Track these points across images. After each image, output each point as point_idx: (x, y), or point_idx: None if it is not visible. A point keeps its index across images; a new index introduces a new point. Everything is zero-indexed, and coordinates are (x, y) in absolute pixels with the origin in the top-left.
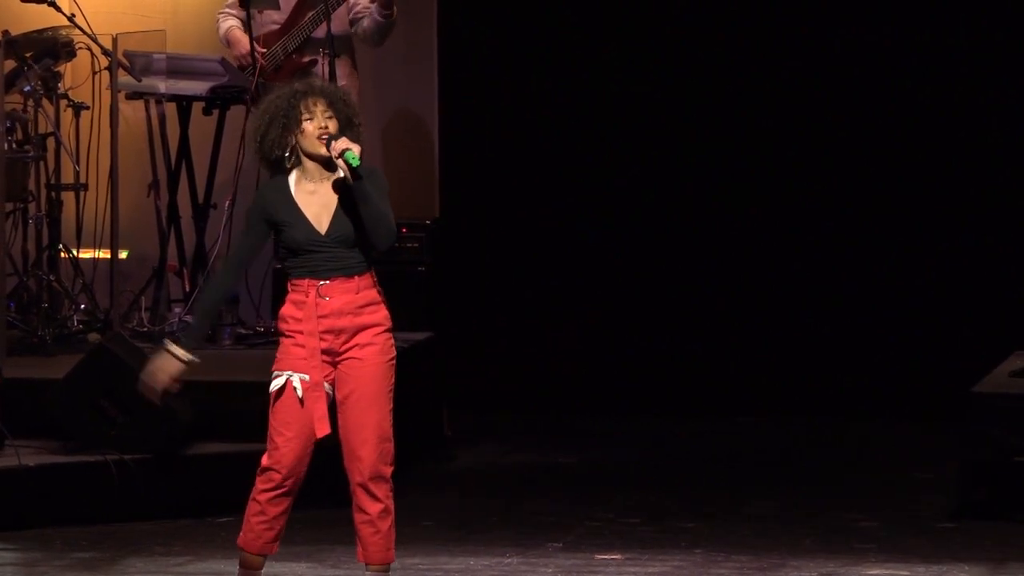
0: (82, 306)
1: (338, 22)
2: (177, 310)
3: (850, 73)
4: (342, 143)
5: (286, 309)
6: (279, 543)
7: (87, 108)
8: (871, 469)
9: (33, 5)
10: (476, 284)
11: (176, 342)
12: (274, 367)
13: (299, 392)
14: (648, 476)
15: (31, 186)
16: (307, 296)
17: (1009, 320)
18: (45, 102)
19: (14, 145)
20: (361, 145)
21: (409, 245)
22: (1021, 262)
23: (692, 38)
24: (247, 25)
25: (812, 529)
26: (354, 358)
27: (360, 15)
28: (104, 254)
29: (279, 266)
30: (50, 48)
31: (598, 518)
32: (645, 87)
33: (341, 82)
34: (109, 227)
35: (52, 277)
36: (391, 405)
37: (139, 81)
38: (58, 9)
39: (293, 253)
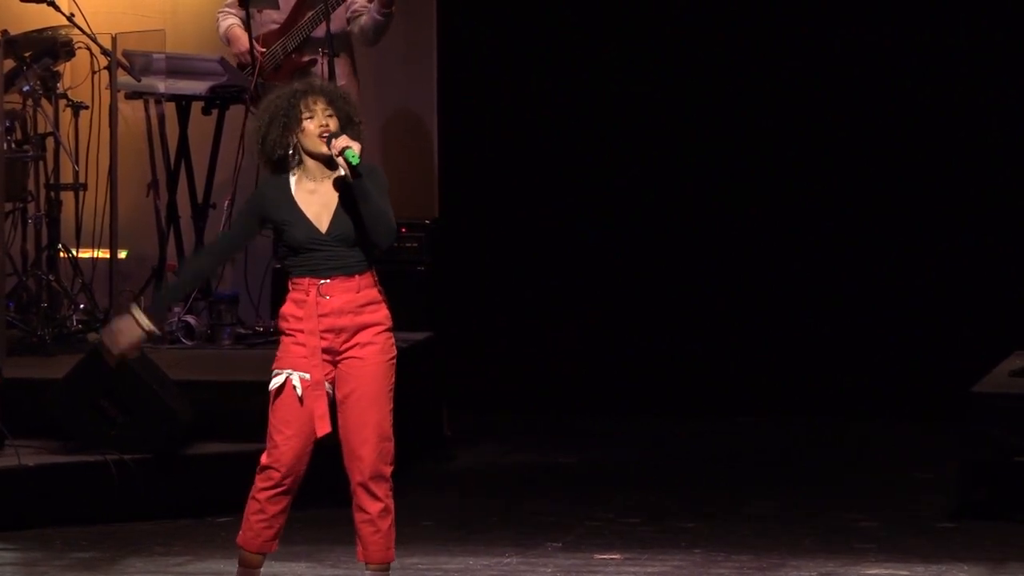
0: (81, 306)
1: (337, 21)
2: (176, 309)
3: (850, 73)
4: (342, 141)
5: (286, 308)
6: (278, 542)
7: (86, 108)
8: (871, 469)
9: (32, 5)
10: (476, 284)
11: (142, 309)
12: (274, 366)
13: (298, 390)
14: (648, 476)
15: (30, 186)
16: (308, 295)
17: (1009, 320)
18: (44, 102)
19: (13, 145)
20: (361, 144)
21: (409, 245)
22: (1021, 262)
23: (692, 38)
24: (247, 25)
25: (812, 529)
26: (355, 357)
27: (358, 13)
28: (103, 254)
29: (279, 266)
30: (49, 48)
31: (598, 518)
32: (645, 87)
33: (340, 81)
34: (108, 227)
35: (51, 277)
36: (391, 405)
37: (138, 81)
38: (57, 9)
39: (294, 252)
